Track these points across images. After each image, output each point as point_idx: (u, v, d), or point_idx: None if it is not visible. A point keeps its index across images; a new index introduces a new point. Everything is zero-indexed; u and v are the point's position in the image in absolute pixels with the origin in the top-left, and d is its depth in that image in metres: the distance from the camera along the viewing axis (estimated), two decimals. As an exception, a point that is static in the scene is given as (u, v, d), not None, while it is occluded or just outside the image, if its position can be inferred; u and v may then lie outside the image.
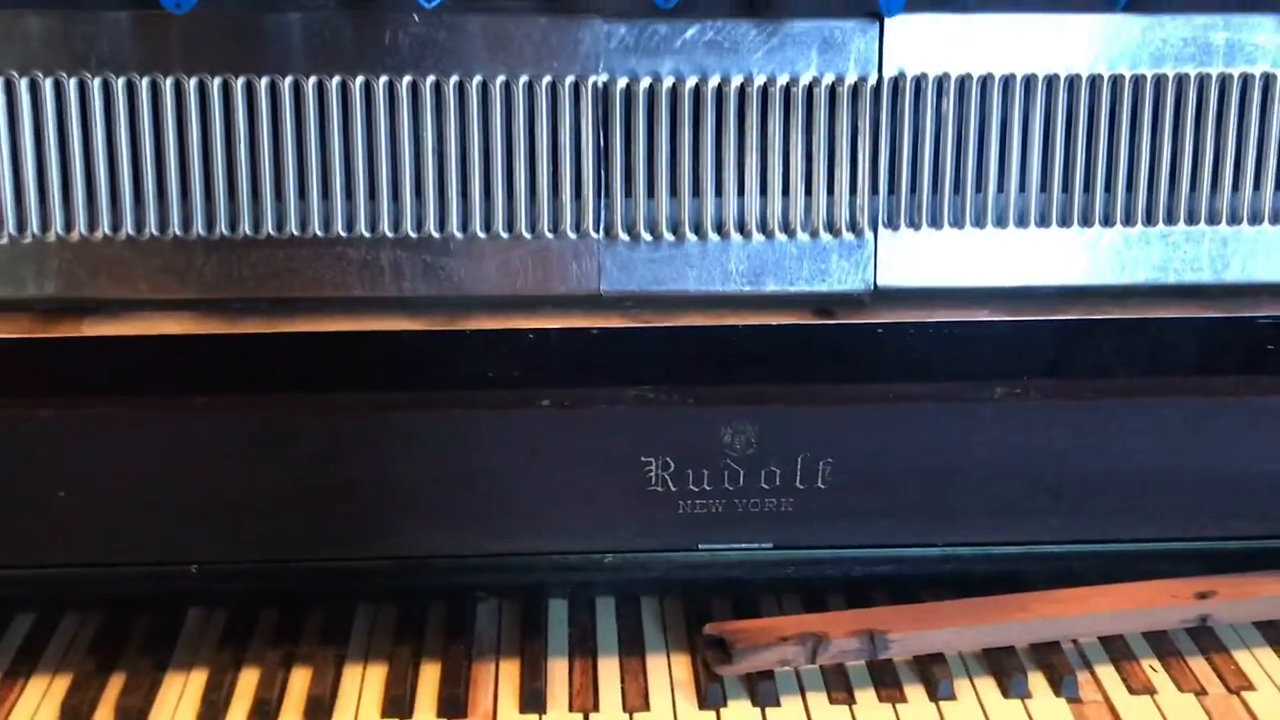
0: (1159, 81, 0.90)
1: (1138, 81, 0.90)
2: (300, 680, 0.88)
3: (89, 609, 0.94)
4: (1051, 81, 0.90)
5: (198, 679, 0.88)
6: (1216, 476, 0.93)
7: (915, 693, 0.88)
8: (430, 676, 0.88)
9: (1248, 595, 0.92)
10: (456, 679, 0.87)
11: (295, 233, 0.89)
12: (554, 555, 0.96)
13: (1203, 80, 0.90)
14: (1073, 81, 0.90)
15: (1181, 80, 0.90)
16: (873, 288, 0.92)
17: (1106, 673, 0.90)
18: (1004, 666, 0.89)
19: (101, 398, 0.88)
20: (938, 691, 0.87)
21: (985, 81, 0.90)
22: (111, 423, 0.88)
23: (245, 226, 0.89)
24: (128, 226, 0.89)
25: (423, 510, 0.93)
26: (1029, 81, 0.90)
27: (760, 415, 0.91)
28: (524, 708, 0.86)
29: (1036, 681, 0.89)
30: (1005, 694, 0.88)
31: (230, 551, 0.93)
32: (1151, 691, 0.88)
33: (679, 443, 0.92)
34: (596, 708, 0.86)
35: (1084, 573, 0.96)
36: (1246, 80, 0.91)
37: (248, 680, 0.88)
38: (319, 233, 0.89)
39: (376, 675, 0.89)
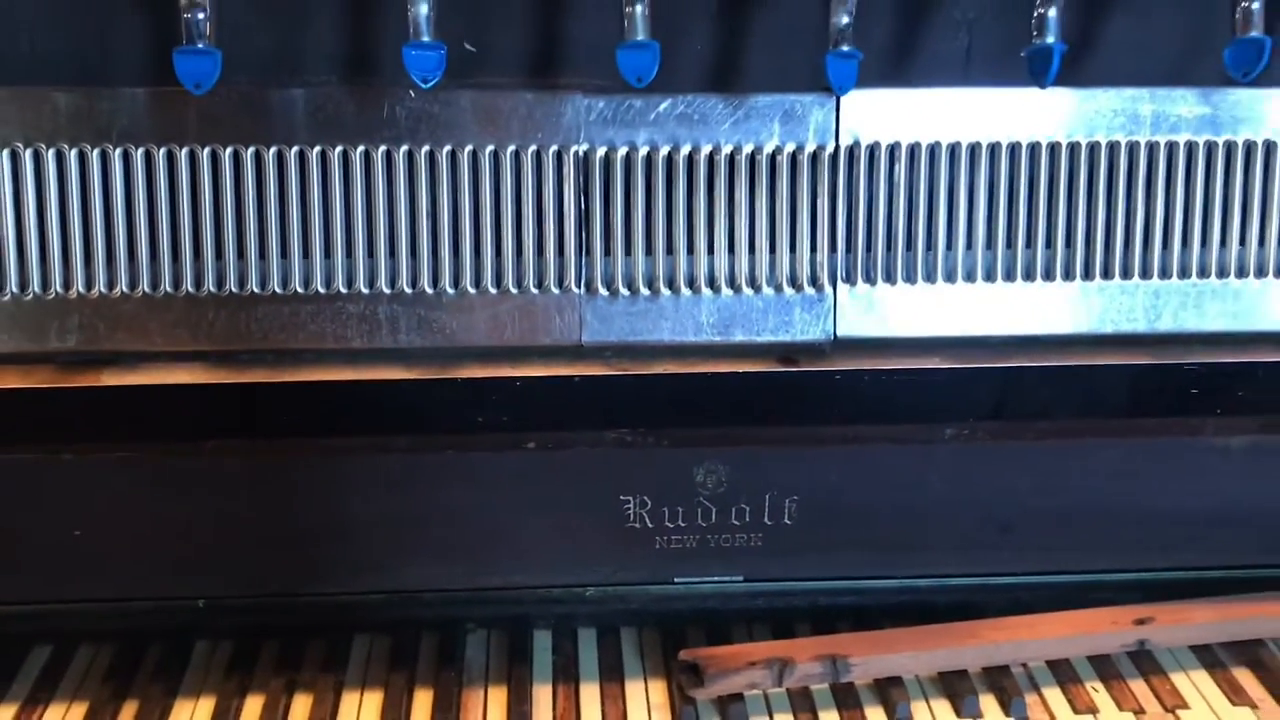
0: (1093, 149, 0.99)
1: (1073, 149, 0.99)
2: (301, 706, 0.94)
3: (103, 640, 1.01)
4: (994, 149, 0.99)
5: (205, 706, 0.94)
6: (1151, 511, 1.01)
7: (875, 713, 0.94)
8: (423, 702, 0.95)
9: (1183, 621, 1.00)
10: (448, 704, 0.94)
11: (299, 289, 0.97)
12: (539, 589, 1.03)
13: (1132, 148, 0.99)
14: (1014, 149, 0.99)
15: (1113, 147, 0.99)
16: (833, 338, 1.00)
17: (1053, 694, 0.97)
18: (957, 689, 0.96)
19: (118, 443, 0.95)
20: (896, 712, 0.94)
21: (934, 149, 0.98)
22: (127, 466, 0.95)
23: (253, 284, 0.96)
24: (144, 284, 0.96)
25: (415, 547, 1.00)
26: (974, 149, 0.98)
27: (730, 456, 0.99)
28: (511, 730, 0.93)
29: (988, 703, 0.96)
30: (959, 714, 0.95)
31: (236, 586, 1.00)
32: (1094, 711, 0.95)
33: (655, 482, 0.99)
34: (578, 729, 0.93)
35: (1032, 601, 1.03)
36: (1172, 148, 0.99)
37: (253, 707, 0.94)
38: (321, 289, 0.97)
39: (373, 701, 0.95)
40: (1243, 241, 0.99)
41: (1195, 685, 0.98)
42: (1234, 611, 1.01)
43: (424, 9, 0.82)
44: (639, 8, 0.82)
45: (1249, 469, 1.01)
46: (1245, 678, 0.99)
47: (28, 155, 0.94)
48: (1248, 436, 1.00)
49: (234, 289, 0.96)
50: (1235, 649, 1.01)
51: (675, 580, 1.03)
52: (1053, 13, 0.85)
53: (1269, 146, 0.98)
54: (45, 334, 0.96)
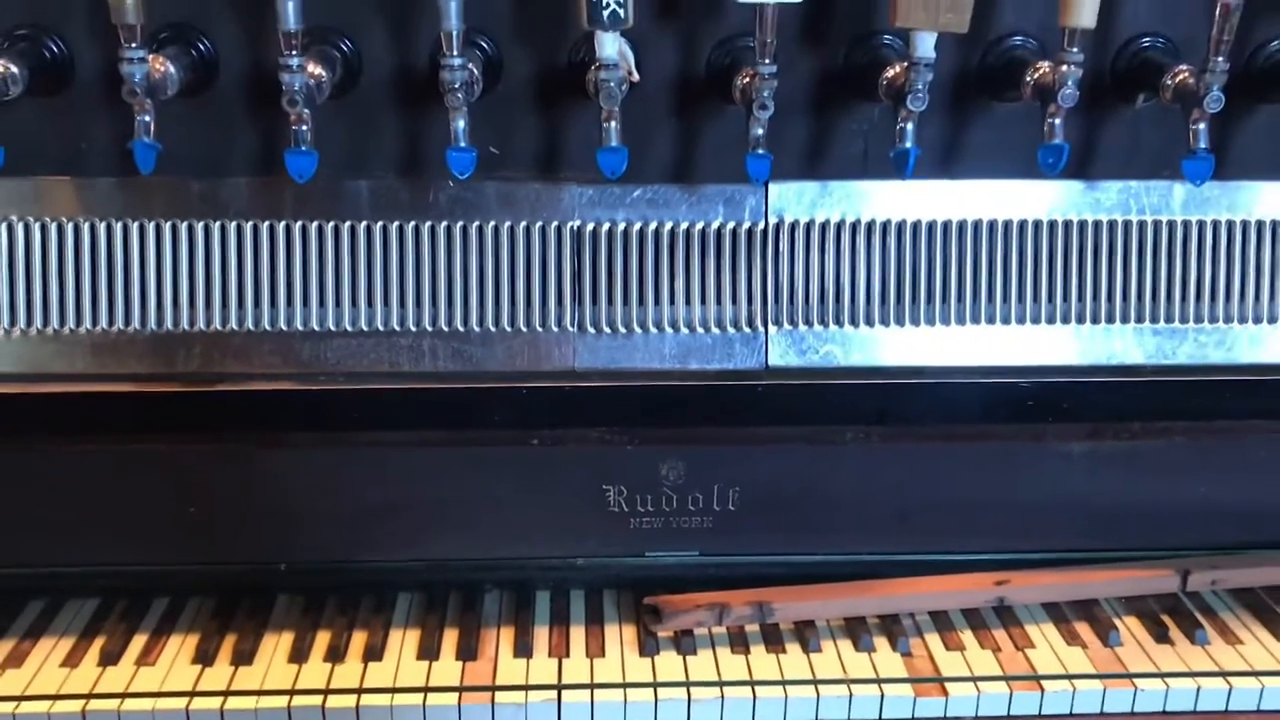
0: (945, 225, 1.32)
1: (930, 225, 1.31)
2: (359, 639, 1.24)
3: (209, 593, 1.31)
4: (885, 225, 1.30)
5: (287, 637, 1.24)
6: (1009, 502, 1.31)
7: (794, 648, 1.23)
8: (450, 638, 1.24)
9: (1033, 584, 1.29)
10: (471, 635, 1.24)
11: (364, 328, 1.29)
12: (540, 559, 1.33)
13: (976, 225, 1.32)
14: (900, 225, 1.30)
15: (962, 225, 1.32)
16: (765, 366, 1.31)
17: (931, 637, 1.26)
18: (857, 631, 1.25)
19: (227, 437, 1.27)
20: (809, 647, 1.23)
21: (840, 225, 1.30)
22: (235, 456, 1.27)
23: (330, 324, 1.29)
24: (248, 323, 1.29)
25: (444, 524, 1.30)
26: (870, 225, 1.30)
27: (687, 454, 1.29)
28: (517, 654, 1.22)
29: (881, 642, 1.25)
30: (856, 649, 1.24)
31: (308, 554, 1.31)
32: (962, 649, 1.24)
33: (630, 475, 1.30)
34: (568, 655, 1.22)
35: (923, 572, 1.33)
36: (1021, 225, 1.32)
37: (322, 638, 1.24)
38: (380, 328, 1.29)
39: (413, 636, 1.25)
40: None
41: (1042, 632, 1.27)
42: (1074, 577, 1.30)
43: (461, 124, 1.15)
44: (613, 124, 1.16)
45: (1083, 470, 1.31)
46: (1081, 627, 1.27)
47: (167, 228, 1.27)
48: (1080, 443, 1.31)
49: (315, 328, 1.29)
50: (1075, 606, 1.30)
51: (645, 554, 1.33)
52: (910, 126, 1.18)
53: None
54: (174, 359, 1.28)
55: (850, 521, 1.31)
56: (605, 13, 1.10)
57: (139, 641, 1.23)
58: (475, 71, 1.16)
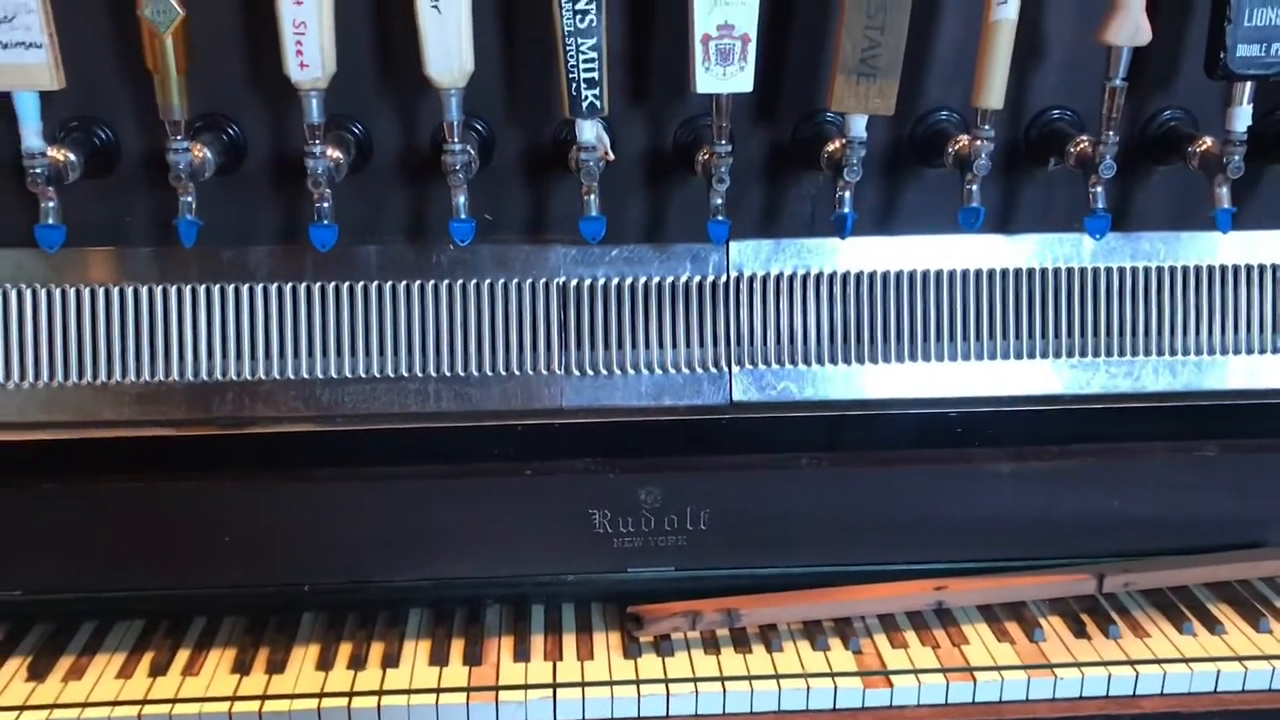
0: (883, 275, 1.50)
1: (868, 275, 1.50)
2: (377, 649, 1.41)
3: (242, 612, 1.47)
4: (832, 276, 1.49)
5: (314, 649, 1.41)
6: (942, 519, 1.49)
7: (759, 649, 1.40)
8: (457, 646, 1.41)
9: (969, 589, 1.47)
10: (475, 644, 1.41)
11: (376, 374, 1.46)
12: (535, 576, 1.50)
13: (911, 275, 1.50)
14: (845, 276, 1.49)
15: (899, 275, 1.50)
16: (730, 402, 1.49)
17: (879, 637, 1.43)
18: (814, 633, 1.42)
19: (258, 473, 1.44)
20: (772, 647, 1.40)
21: (792, 277, 1.49)
22: (264, 490, 1.44)
23: (346, 372, 1.46)
24: (275, 373, 1.46)
25: (450, 547, 1.47)
26: (818, 276, 1.48)
27: (663, 481, 1.46)
28: (516, 659, 1.39)
29: (834, 642, 1.42)
30: (814, 648, 1.41)
31: (330, 575, 1.47)
32: (905, 646, 1.42)
33: (612, 499, 1.47)
34: (561, 658, 1.39)
35: (871, 580, 1.51)
36: (948, 274, 1.50)
37: (345, 648, 1.41)
38: (390, 374, 1.47)
39: (424, 646, 1.42)
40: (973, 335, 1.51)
41: (976, 631, 1.44)
42: (1004, 582, 1.48)
43: (462, 199, 1.33)
44: (593, 196, 1.34)
45: (1009, 488, 1.49)
46: (1011, 626, 1.45)
47: (202, 290, 1.45)
48: (1006, 464, 1.49)
49: (333, 375, 1.46)
50: (1005, 607, 1.47)
51: (627, 570, 1.50)
52: (847, 194, 1.36)
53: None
54: (210, 405, 1.46)
55: (807, 537, 1.49)
56: (584, 104, 1.28)
57: (183, 655, 1.40)
58: (473, 152, 1.35)
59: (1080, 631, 1.44)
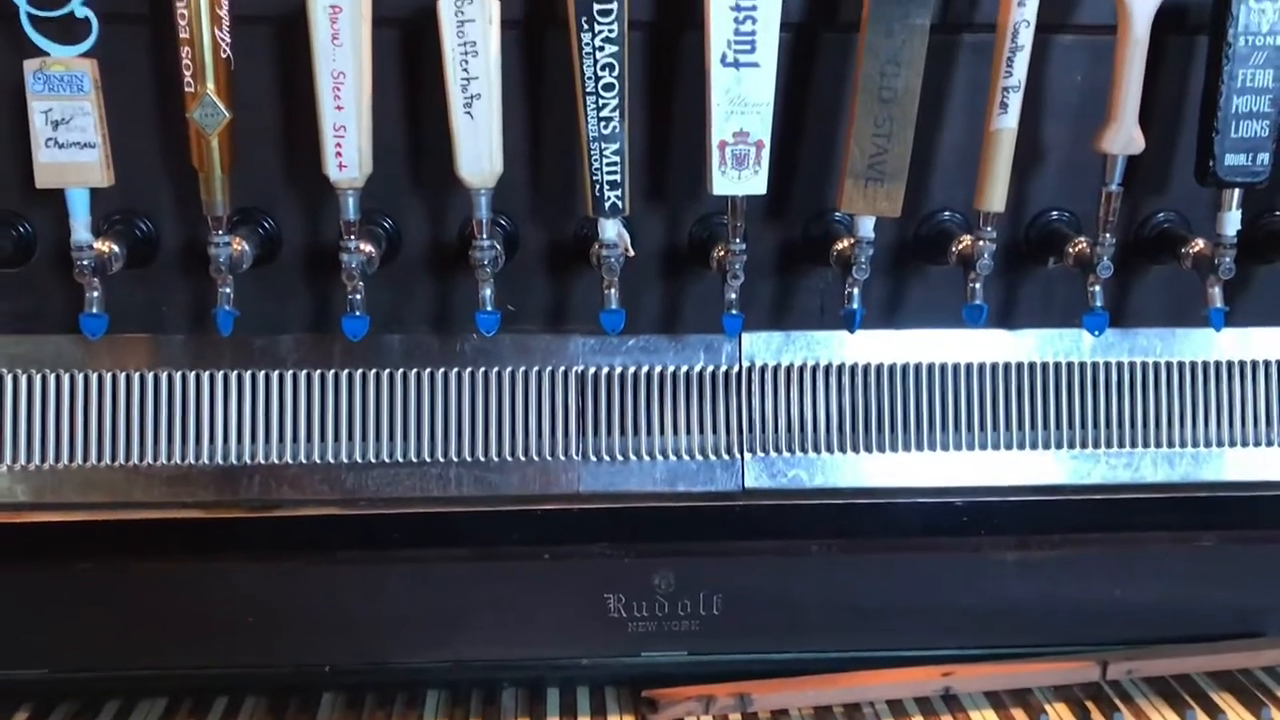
0: (886, 368, 1.56)
1: (873, 367, 1.55)
2: (395, 731, 1.44)
3: (263, 690, 1.50)
4: (840, 368, 1.55)
5: (334, 732, 1.44)
6: (949, 606, 1.52)
7: (770, 733, 1.44)
8: (474, 728, 1.45)
9: (975, 675, 1.50)
10: (492, 727, 1.44)
11: (399, 459, 1.51)
12: (550, 659, 1.53)
13: (891, 368, 1.56)
14: (854, 368, 1.54)
15: (892, 368, 1.56)
16: (742, 489, 1.54)
17: (887, 721, 1.47)
18: (824, 717, 1.45)
19: (284, 555, 1.48)
20: (783, 732, 1.44)
21: (802, 368, 1.55)
22: (291, 572, 1.47)
23: (370, 456, 1.51)
24: (301, 457, 1.51)
25: (467, 629, 1.51)
26: (827, 368, 1.54)
27: (676, 566, 1.51)
28: (533, 742, 1.42)
29: (845, 727, 1.46)
30: (825, 733, 1.45)
31: (349, 656, 1.50)
32: (914, 732, 1.45)
33: (627, 584, 1.51)
34: (576, 741, 1.43)
35: (880, 665, 1.53)
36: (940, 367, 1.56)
37: (364, 731, 1.44)
38: (414, 459, 1.51)
39: (442, 727, 1.45)
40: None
41: (983, 717, 1.47)
42: (1010, 669, 1.51)
43: (488, 291, 1.39)
44: (613, 290, 1.40)
45: (1014, 576, 1.53)
46: (1017, 712, 1.48)
47: (233, 376, 1.50)
48: (1011, 553, 1.53)
49: (358, 460, 1.51)
50: (1011, 693, 1.50)
51: (641, 654, 1.53)
52: (856, 290, 1.43)
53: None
54: (237, 488, 1.50)
55: (817, 623, 1.52)
56: (607, 204, 1.35)
57: (206, 733, 1.43)
58: (499, 248, 1.41)
59: (1085, 718, 1.47)
